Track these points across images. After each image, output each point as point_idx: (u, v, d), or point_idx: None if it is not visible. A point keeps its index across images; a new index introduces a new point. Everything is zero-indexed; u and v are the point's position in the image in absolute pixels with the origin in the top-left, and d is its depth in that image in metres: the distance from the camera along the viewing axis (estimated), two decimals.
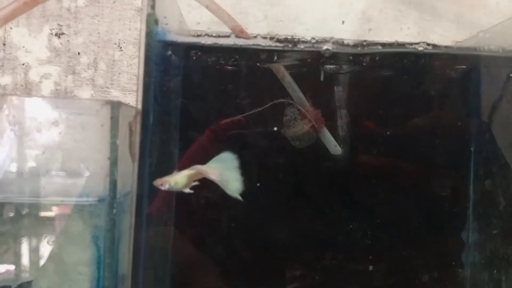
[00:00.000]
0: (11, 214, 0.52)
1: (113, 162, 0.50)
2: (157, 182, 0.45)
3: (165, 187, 0.44)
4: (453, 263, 0.55)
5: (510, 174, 0.53)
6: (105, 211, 0.50)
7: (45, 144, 0.51)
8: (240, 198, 0.45)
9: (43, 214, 0.52)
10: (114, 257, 0.51)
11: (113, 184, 0.50)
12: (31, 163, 0.52)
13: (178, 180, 0.45)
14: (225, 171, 0.46)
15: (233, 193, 0.45)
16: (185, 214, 0.53)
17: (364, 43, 0.49)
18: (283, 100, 0.51)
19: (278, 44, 0.48)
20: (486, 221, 0.54)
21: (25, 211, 0.52)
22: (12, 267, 0.54)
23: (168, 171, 0.46)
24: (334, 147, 0.52)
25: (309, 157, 0.53)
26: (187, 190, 0.46)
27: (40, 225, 0.53)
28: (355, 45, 0.49)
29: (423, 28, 0.62)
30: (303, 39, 0.48)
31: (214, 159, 0.47)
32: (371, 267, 0.53)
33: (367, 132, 0.54)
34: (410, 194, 0.54)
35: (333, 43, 0.48)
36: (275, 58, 0.50)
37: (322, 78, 0.51)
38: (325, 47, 0.48)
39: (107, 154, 0.50)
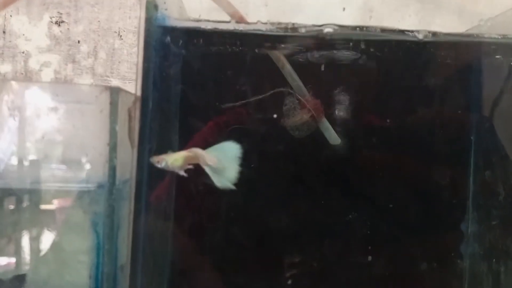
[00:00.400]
0: (12, 207, 0.52)
1: (112, 148, 0.50)
2: (154, 159, 0.45)
3: (161, 165, 0.45)
4: (452, 254, 0.54)
5: (510, 165, 0.53)
6: (104, 198, 0.51)
7: (44, 130, 0.51)
8: (232, 187, 0.45)
9: (43, 200, 0.52)
10: (113, 243, 0.51)
11: (112, 170, 0.50)
12: (30, 149, 0.52)
13: (175, 159, 0.45)
14: (224, 160, 0.46)
15: (224, 183, 0.45)
16: (185, 200, 0.53)
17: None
18: (282, 89, 0.51)
19: (279, 29, 0.48)
20: (485, 212, 0.54)
21: (25, 197, 0.52)
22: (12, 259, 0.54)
23: None
24: (334, 137, 0.52)
25: (309, 147, 0.53)
26: (181, 173, 0.46)
27: (40, 212, 0.53)
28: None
29: (424, 18, 0.62)
30: (303, 25, 0.48)
31: (215, 146, 0.47)
32: (370, 257, 0.53)
33: (367, 122, 0.54)
34: (410, 185, 0.54)
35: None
36: (277, 44, 0.50)
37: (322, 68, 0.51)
38: (326, 30, 0.48)
39: (106, 140, 0.50)
